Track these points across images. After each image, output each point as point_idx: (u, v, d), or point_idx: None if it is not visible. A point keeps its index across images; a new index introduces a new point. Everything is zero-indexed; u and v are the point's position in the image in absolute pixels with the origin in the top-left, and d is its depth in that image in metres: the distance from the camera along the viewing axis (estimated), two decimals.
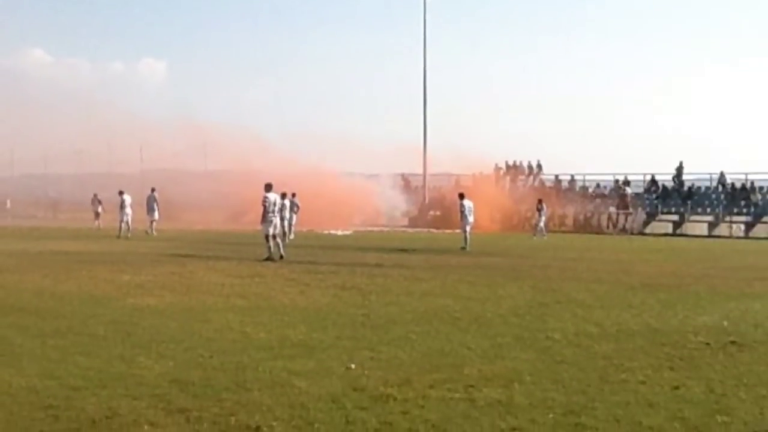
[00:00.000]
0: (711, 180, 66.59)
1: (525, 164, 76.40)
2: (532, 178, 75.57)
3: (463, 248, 38.99)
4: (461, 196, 42.89)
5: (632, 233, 62.11)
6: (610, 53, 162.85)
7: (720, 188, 65.34)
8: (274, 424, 8.74)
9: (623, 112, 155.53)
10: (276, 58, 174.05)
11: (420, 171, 77.18)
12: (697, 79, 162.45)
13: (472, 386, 10.47)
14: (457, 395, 10.04)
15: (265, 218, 30.96)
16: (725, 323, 16.00)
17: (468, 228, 40.72)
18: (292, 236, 43.25)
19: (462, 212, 41.42)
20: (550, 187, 71.97)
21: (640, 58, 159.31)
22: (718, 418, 9.18)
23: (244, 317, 16.27)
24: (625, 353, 12.88)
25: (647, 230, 63.15)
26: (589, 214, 67.14)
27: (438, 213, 69.59)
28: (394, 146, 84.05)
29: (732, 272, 27.81)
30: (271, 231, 30.96)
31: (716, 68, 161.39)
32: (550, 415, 9.19)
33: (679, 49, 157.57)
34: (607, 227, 65.11)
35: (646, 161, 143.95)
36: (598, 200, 69.46)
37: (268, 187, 31.42)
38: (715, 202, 64.11)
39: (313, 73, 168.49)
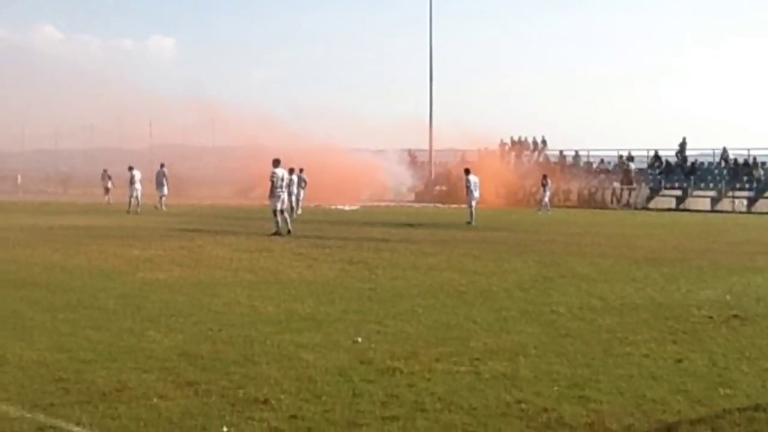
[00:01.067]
0: (714, 155, 66.53)
1: (530, 140, 76.32)
2: (536, 153, 75.47)
3: (469, 223, 39.07)
4: (467, 172, 42.95)
5: (636, 208, 62.06)
6: (615, 30, 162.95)
7: (723, 164, 65.27)
8: (282, 396, 8.81)
9: (627, 89, 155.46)
10: (284, 36, 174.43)
11: (426, 146, 77.16)
12: (701, 56, 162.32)
13: (477, 359, 10.57)
14: (462, 368, 10.13)
15: (273, 193, 31.02)
16: (728, 297, 16.11)
17: (473, 203, 40.78)
18: (299, 211, 43.32)
19: (468, 187, 41.46)
20: (554, 163, 71.90)
21: (645, 35, 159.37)
22: (721, 390, 9.25)
23: (253, 291, 16.39)
24: (628, 327, 12.98)
25: (651, 205, 63.09)
26: (593, 189, 67.07)
27: (444, 188, 69.57)
28: (400, 122, 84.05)
29: (734, 247, 27.90)
30: (278, 206, 31.04)
31: (719, 45, 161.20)
32: (555, 388, 9.27)
33: (683, 26, 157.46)
34: (611, 202, 65.05)
35: (650, 137, 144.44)
36: (602, 175, 69.35)
37: (276, 163, 31.48)
38: (718, 177, 64.03)
39: (321, 50, 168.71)
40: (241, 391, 9.00)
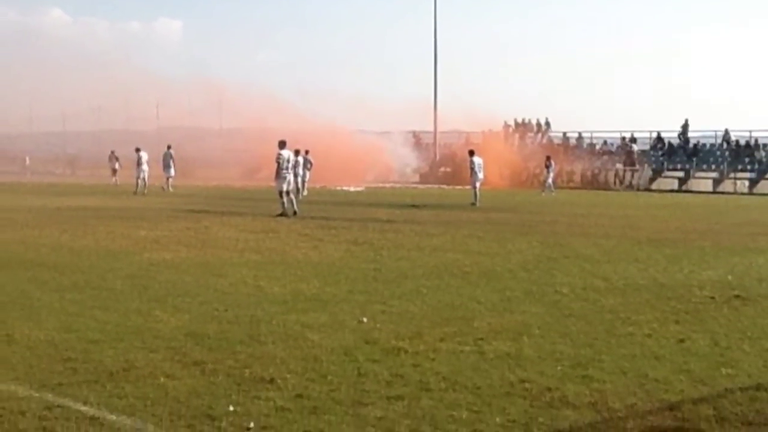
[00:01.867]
0: (716, 137, 66.49)
1: (533, 122, 76.23)
2: (540, 135, 75.32)
3: (473, 204, 39.09)
4: (471, 153, 43.03)
5: (638, 189, 62.01)
6: (617, 12, 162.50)
7: (725, 145, 65.23)
8: (288, 376, 8.89)
9: (630, 71, 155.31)
10: (289, 18, 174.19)
11: (431, 128, 77.13)
12: (703, 38, 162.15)
13: (481, 339, 10.64)
14: (467, 348, 10.21)
15: (279, 175, 31.11)
16: (730, 278, 16.18)
17: (478, 184, 40.82)
18: (305, 192, 43.42)
19: (472, 169, 41.51)
20: (558, 144, 71.74)
21: (647, 17, 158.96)
22: (723, 370, 9.33)
23: (259, 272, 16.48)
24: (631, 307, 13.06)
25: (653, 186, 63.03)
26: (596, 171, 66.98)
27: (448, 169, 69.46)
28: (405, 104, 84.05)
29: (736, 228, 27.93)
30: (284, 187, 31.12)
31: (722, 26, 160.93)
32: (558, 368, 9.36)
33: (685, 8, 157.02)
34: (614, 183, 64.98)
35: (653, 119, 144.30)
36: (605, 157, 69.26)
37: (282, 144, 31.57)
38: (720, 158, 64.02)
39: (326, 33, 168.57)
40: (247, 371, 9.08)
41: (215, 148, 75.50)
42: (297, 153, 38.17)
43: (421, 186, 65.49)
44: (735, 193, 57.96)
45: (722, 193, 58.27)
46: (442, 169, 71.79)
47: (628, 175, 65.27)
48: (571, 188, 61.54)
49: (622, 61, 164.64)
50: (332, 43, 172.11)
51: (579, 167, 67.26)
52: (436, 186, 64.12)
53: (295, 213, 30.66)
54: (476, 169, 41.29)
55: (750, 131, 64.48)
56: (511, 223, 28.97)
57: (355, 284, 15.14)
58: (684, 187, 61.68)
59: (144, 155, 49.86)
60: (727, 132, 65.55)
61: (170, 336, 10.73)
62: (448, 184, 63.54)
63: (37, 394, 8.25)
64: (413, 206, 37.80)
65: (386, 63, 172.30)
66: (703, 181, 61.56)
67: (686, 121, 67.77)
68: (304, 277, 15.90)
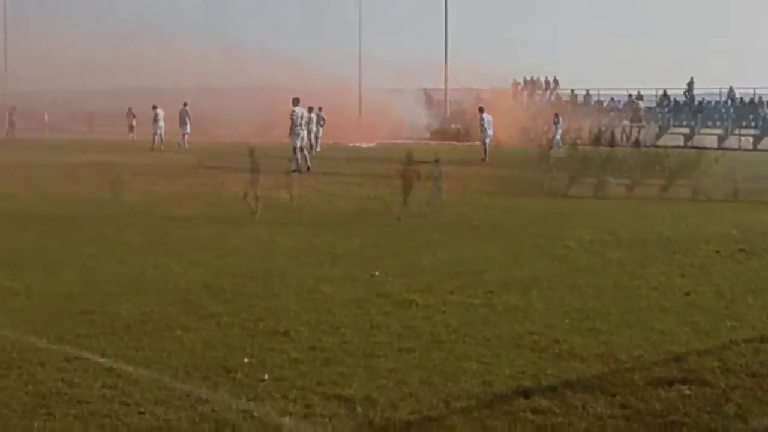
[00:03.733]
0: (720, 95, 66.29)
1: (542, 79, 75.96)
2: (548, 92, 75.11)
3: (483, 160, 39.18)
4: (481, 110, 43.06)
5: (645, 146, 61.95)
6: None
7: (729, 102, 65.18)
8: (301, 328, 9.02)
9: (636, 30, 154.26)
10: None
11: (441, 86, 77.00)
12: None
13: (491, 292, 10.79)
14: (477, 301, 10.36)
15: (293, 131, 31.22)
16: (734, 232, 16.27)
17: (487, 140, 40.91)
18: (318, 148, 43.38)
19: (482, 125, 41.60)
20: (566, 102, 71.55)
21: None
22: (728, 322, 9.45)
23: (272, 226, 16.62)
24: (638, 261, 13.20)
25: (659, 143, 62.91)
26: (603, 128, 66.69)
27: (459, 126, 69.42)
28: (416, 62, 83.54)
29: (740, 183, 27.87)
30: (298, 143, 31.24)
31: None
32: (567, 320, 9.49)
33: None
34: (621, 140, 64.84)
35: (659, 76, 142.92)
36: (612, 114, 69.15)
37: (296, 102, 31.69)
38: (725, 115, 63.96)
39: None
40: (261, 323, 9.22)
41: (230, 105, 75.36)
42: (310, 110, 38.20)
43: (431, 142, 65.38)
44: (739, 149, 57.84)
45: (727, 149, 58.14)
46: (453, 125, 71.65)
47: (635, 131, 65.19)
48: (578, 145, 61.39)
49: (628, 20, 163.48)
50: (344, 4, 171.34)
51: (586, 124, 67.05)
52: (446, 142, 64.00)
53: (308, 169, 30.78)
54: (486, 125, 41.37)
55: (754, 89, 64.40)
56: (520, 179, 28.96)
57: (367, 238, 15.28)
58: (689, 144, 61.58)
59: (161, 112, 50.13)
60: (731, 89, 65.48)
61: (186, 289, 10.87)
62: (458, 141, 63.44)
63: (55, 346, 8.36)
64: (423, 162, 37.74)
65: (397, 21, 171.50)
66: (708, 138, 61.44)
67: (691, 78, 67.80)
68: (317, 231, 16.04)
